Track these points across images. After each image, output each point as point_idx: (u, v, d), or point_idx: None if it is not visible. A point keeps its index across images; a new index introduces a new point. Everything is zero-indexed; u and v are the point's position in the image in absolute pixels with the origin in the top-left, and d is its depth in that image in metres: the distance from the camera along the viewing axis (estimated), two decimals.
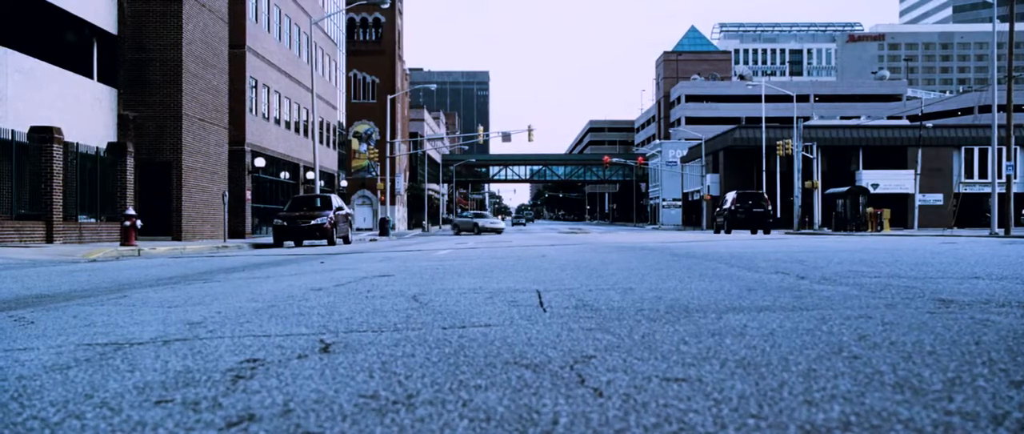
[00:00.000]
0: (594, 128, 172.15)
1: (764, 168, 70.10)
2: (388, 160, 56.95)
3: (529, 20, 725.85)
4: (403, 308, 4.84)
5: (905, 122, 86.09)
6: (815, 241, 22.65)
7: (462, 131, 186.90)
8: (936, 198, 72.87)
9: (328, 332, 3.80)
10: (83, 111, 27.11)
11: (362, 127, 78.74)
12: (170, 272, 10.08)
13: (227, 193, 29.10)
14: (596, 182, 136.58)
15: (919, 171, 64.64)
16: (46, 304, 5.67)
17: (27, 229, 20.99)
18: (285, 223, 26.94)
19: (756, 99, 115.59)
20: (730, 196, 44.38)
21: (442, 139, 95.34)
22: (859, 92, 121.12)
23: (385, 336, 3.65)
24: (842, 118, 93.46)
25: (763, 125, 71.25)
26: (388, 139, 58.22)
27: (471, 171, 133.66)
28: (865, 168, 73.94)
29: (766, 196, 43.39)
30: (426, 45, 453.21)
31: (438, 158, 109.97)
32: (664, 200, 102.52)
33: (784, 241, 22.76)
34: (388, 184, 58.16)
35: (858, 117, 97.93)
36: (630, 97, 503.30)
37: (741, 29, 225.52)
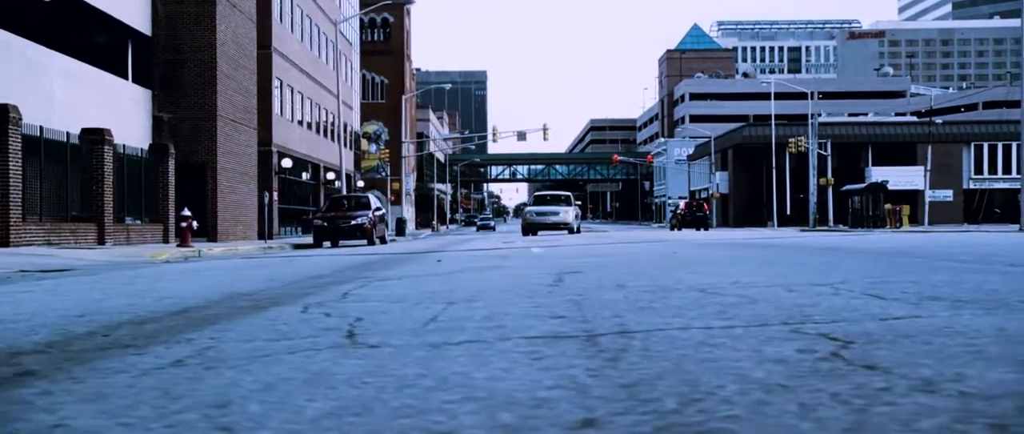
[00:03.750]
0: (595, 127, 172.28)
1: (774, 165, 70.27)
2: (411, 160, 56.89)
3: (525, 20, 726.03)
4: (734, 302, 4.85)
5: (913, 119, 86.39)
6: (883, 238, 22.74)
7: (461, 131, 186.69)
8: (945, 194, 73.08)
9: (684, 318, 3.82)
10: (122, 112, 27.07)
11: (371, 127, 78.66)
12: (308, 271, 10.09)
13: (268, 193, 29.08)
14: (599, 181, 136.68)
15: (929, 167, 64.83)
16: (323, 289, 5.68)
17: (81, 231, 20.99)
18: (325, 223, 26.90)
19: (760, 96, 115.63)
20: (681, 203, 63.02)
21: (456, 139, 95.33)
22: (862, 89, 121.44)
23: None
24: (849, 115, 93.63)
25: (772, 122, 71.39)
26: (404, 140, 58.16)
27: (474, 171, 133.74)
28: (874, 165, 74.13)
29: (705, 203, 61.17)
30: (423, 45, 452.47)
31: (442, 158, 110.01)
32: (670, 198, 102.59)
33: (884, 238, 22.85)
34: (402, 184, 58.19)
35: (865, 114, 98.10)
36: (630, 96, 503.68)
37: (739, 27, 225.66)
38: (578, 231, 36.28)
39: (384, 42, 78.21)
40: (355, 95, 57.69)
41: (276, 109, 38.21)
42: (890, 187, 70.18)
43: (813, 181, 57.99)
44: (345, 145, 52.16)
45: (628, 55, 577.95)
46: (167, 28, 30.04)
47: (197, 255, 18.40)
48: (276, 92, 38.21)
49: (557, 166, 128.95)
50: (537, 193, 41.50)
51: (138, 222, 24.49)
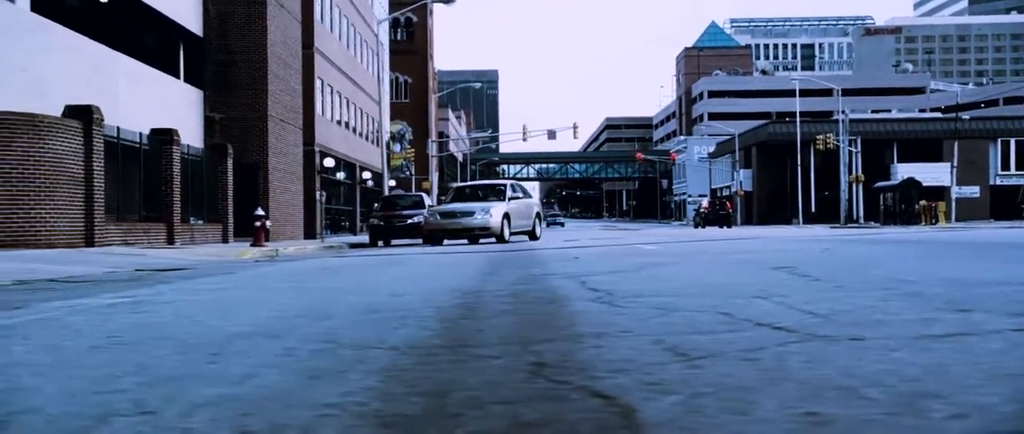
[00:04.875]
0: (611, 125, 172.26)
1: (799, 162, 70.18)
2: (434, 159, 57.03)
3: (534, 20, 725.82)
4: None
5: (938, 115, 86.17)
6: (957, 233, 22.72)
7: (472, 130, 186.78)
8: (972, 191, 72.80)
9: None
10: (178, 113, 27.21)
11: (395, 127, 78.76)
12: (469, 267, 10.16)
13: (322, 192, 29.22)
14: (616, 179, 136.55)
15: (955, 163, 64.66)
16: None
17: (152, 230, 21.14)
18: (381, 222, 27.08)
19: (779, 94, 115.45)
20: (704, 201, 64.47)
21: (482, 138, 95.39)
22: (882, 85, 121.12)
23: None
24: (872, 112, 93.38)
25: (797, 119, 71.31)
26: (433, 139, 58.30)
27: (490, 170, 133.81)
28: (900, 161, 73.96)
29: (728, 201, 62.12)
30: (435, 44, 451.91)
31: (461, 157, 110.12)
32: (690, 196, 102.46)
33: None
34: (432, 183, 58.32)
35: (888, 111, 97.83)
36: (643, 94, 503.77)
37: (752, 24, 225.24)
38: (538, 237, 25.07)
39: (408, 42, 78.31)
40: (386, 94, 57.82)
41: (318, 109, 38.35)
42: None
43: (844, 178, 57.88)
44: (375, 144, 52.33)
45: (639, 53, 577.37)
46: (218, 29, 30.18)
47: (275, 254, 18.51)
48: (318, 92, 38.36)
49: (574, 164, 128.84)
50: (457, 185, 28.54)
51: (200, 222, 24.64)
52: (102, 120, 18.30)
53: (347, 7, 44.64)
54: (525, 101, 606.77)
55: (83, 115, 17.77)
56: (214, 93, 30.13)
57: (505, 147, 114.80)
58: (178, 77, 28.62)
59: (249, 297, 6.32)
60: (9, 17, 19.01)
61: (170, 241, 21.85)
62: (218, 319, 4.68)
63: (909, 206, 50.24)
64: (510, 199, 24.01)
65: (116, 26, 25.46)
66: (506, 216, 22.86)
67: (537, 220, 25.34)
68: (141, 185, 21.01)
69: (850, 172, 58.57)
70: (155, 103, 25.39)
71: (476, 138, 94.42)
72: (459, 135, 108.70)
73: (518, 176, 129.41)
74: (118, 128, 19.63)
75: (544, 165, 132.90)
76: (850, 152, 59.56)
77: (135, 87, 24.26)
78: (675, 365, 2.74)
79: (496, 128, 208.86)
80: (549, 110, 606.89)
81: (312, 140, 37.46)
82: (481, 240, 22.93)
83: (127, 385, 2.69)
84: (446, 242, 23.35)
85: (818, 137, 63.95)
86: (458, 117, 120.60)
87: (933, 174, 70.99)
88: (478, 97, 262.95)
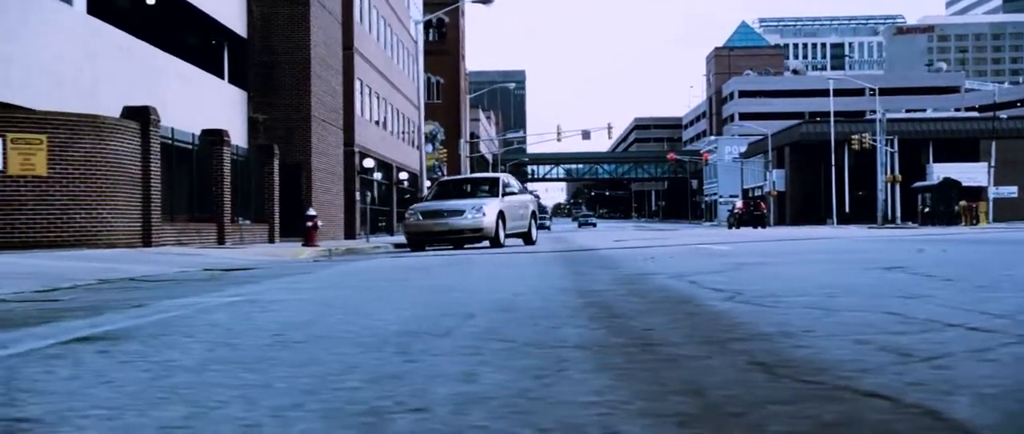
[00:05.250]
0: (640, 125, 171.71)
1: (833, 163, 69.61)
2: (466, 160, 57.09)
3: (559, 20, 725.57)
4: None
5: (974, 114, 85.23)
6: (1010, 234, 22.45)
7: (501, 131, 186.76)
8: (1010, 191, 71.84)
9: None
10: (224, 114, 27.36)
11: (428, 127, 78.85)
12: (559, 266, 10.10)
13: (368, 193, 29.27)
14: (645, 179, 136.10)
15: (993, 163, 63.91)
16: None
17: (204, 230, 21.24)
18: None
19: (811, 93, 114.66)
20: (738, 202, 65.81)
21: (516, 138, 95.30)
22: (915, 85, 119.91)
23: None
24: (906, 111, 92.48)
25: (832, 119, 70.80)
26: (466, 139, 58.34)
27: (517, 170, 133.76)
28: (935, 161, 73.21)
29: (762, 202, 62.97)
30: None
31: (490, 157, 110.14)
32: (721, 197, 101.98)
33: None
34: None
35: (923, 110, 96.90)
36: (670, 94, 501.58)
37: (781, 24, 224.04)
38: (534, 241, 21.68)
39: (440, 42, 78.40)
40: (421, 95, 57.89)
41: (357, 110, 38.43)
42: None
43: (881, 178, 57.35)
44: (411, 145, 52.43)
45: (664, 53, 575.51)
46: (262, 30, 30.30)
47: (329, 255, 18.54)
48: (357, 93, 38.45)
49: (604, 165, 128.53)
50: (442, 180, 25.11)
51: (247, 222, 24.75)
52: (159, 121, 18.42)
53: (384, 8, 44.76)
54: (551, 101, 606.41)
55: (141, 116, 17.89)
56: (257, 94, 30.25)
57: (538, 147, 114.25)
58: (222, 78, 28.78)
59: (358, 296, 6.27)
60: (67, 19, 19.17)
61: (221, 241, 21.95)
62: (362, 317, 4.63)
63: (948, 206, 49.70)
64: (505, 195, 20.21)
65: (162, 27, 25.65)
66: (501, 215, 19.21)
67: (533, 220, 21.83)
68: (193, 185, 21.12)
69: (887, 172, 57.95)
70: (202, 104, 25.53)
71: (511, 138, 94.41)
72: (489, 135, 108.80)
73: (547, 177, 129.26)
74: (172, 129, 19.75)
75: (574, 165, 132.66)
76: (887, 152, 58.91)
77: (182, 88, 24.41)
78: (917, 365, 2.66)
79: (523, 128, 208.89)
80: (575, 110, 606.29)
81: (352, 141, 37.55)
82: (468, 245, 19.65)
83: (354, 383, 2.64)
84: (429, 248, 19.68)
85: (854, 137, 63.40)
86: (488, 117, 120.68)
87: (970, 174, 70.12)
88: (505, 97, 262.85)
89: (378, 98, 43.30)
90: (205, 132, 22.09)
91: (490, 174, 25.01)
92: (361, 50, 39.03)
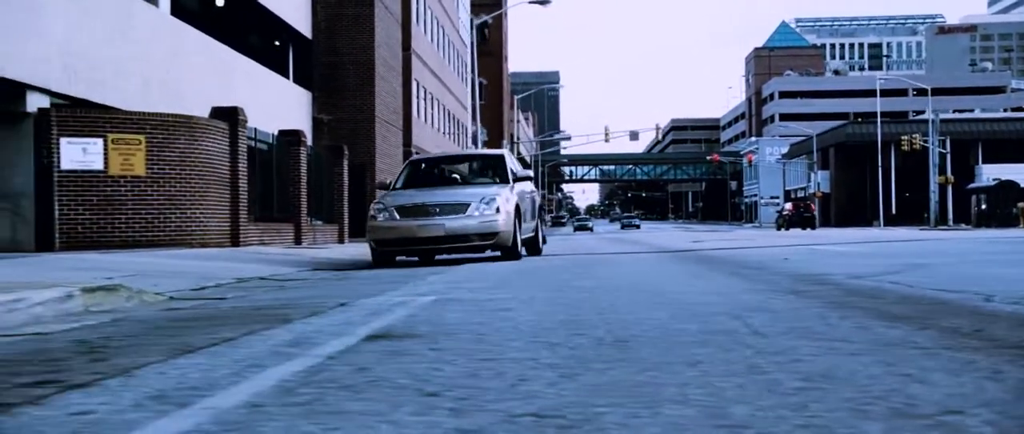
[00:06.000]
0: (676, 126, 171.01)
1: (879, 164, 68.88)
2: None
3: (592, 22, 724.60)
4: None
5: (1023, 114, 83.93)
6: None
7: (537, 132, 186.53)
8: None
9: None
10: (291, 115, 27.52)
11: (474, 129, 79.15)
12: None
13: None
14: (684, 181, 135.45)
15: None
16: None
17: (283, 230, 21.35)
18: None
19: (853, 94, 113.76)
20: (788, 204, 66.39)
21: (561, 139, 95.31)
22: (960, 85, 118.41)
23: None
24: (954, 111, 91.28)
25: (878, 120, 70.15)
26: (507, 141, 58.31)
27: (554, 171, 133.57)
28: (985, 162, 72.19)
29: (811, 203, 63.80)
30: None
31: (529, 159, 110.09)
32: (762, 198, 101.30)
33: None
34: None
35: (972, 110, 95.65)
36: (705, 95, 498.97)
37: (818, 24, 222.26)
38: (541, 249, 16.02)
39: (483, 44, 78.43)
40: (468, 96, 58.04)
41: (414, 111, 38.55)
42: None
43: (933, 179, 56.60)
44: (461, 146, 52.51)
45: (698, 54, 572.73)
46: (326, 31, 30.46)
47: None
48: (414, 94, 38.55)
49: (642, 166, 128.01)
50: (418, 159, 16.88)
51: (319, 222, 24.85)
52: (246, 121, 18.55)
53: (437, 8, 44.87)
54: (584, 102, 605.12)
55: (229, 116, 18.01)
56: (322, 95, 30.41)
57: (580, 149, 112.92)
58: (288, 78, 28.96)
59: (534, 297, 6.21)
60: (154, 20, 19.36)
61: (297, 241, 22.06)
62: (632, 315, 4.58)
63: (1005, 208, 49.00)
64: (516, 180, 14.32)
65: (230, 27, 25.83)
66: (517, 212, 13.42)
67: (541, 220, 16.95)
68: (271, 186, 21.23)
69: (940, 173, 57.21)
70: (271, 104, 25.67)
71: (557, 139, 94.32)
72: (528, 137, 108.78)
73: (585, 178, 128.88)
74: (255, 129, 19.86)
75: (609, 166, 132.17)
76: (940, 153, 58.15)
77: (254, 88, 24.58)
78: None
79: (557, 129, 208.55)
80: (609, 111, 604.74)
81: (410, 141, 37.67)
82: (459, 254, 13.89)
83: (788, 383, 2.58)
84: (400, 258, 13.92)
85: (903, 137, 62.65)
86: (526, 118, 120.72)
87: (1020, 175, 69.16)
88: (539, 98, 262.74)
89: (431, 99, 43.41)
90: (282, 132, 22.20)
91: (491, 150, 18.69)
92: (417, 51, 39.15)
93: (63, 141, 14.98)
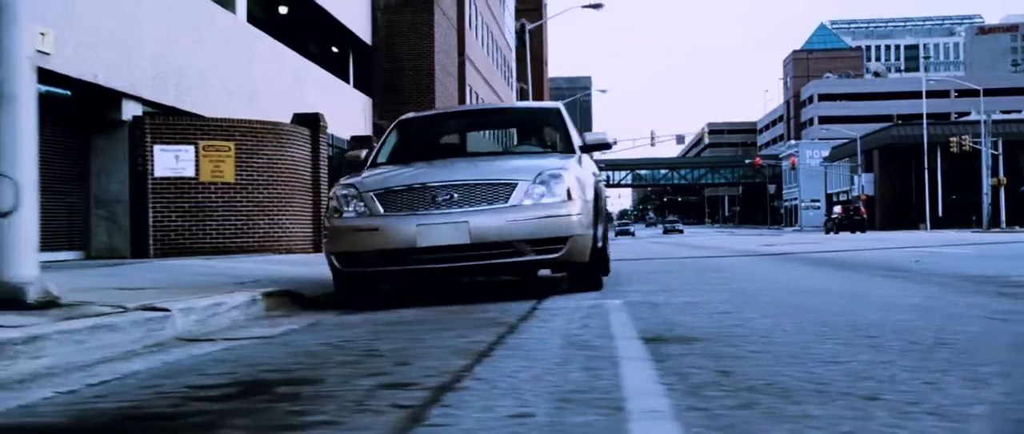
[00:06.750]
0: (713, 130, 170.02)
1: (926, 166, 68.03)
2: None
3: (625, 26, 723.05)
4: None
5: None
6: None
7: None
8: None
9: None
10: (353, 120, 27.64)
11: None
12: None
13: None
14: (721, 185, 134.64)
15: None
16: None
17: None
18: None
19: (893, 96, 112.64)
20: (838, 207, 67.86)
21: (608, 147, 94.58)
22: (1004, 86, 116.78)
23: None
24: (1001, 112, 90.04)
25: (924, 121, 69.31)
26: None
27: None
28: None
29: (861, 207, 64.86)
30: None
31: None
32: (803, 201, 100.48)
33: None
34: None
35: (1018, 111, 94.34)
36: (740, 98, 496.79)
37: (853, 26, 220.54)
38: (606, 268, 9.33)
39: (523, 48, 78.52)
40: (513, 100, 58.09)
41: None
42: None
43: (986, 181, 55.89)
44: None
45: (733, 57, 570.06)
46: (386, 37, 30.60)
47: None
48: (467, 99, 38.63)
49: (680, 170, 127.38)
50: (410, 118, 9.57)
51: None
52: (326, 128, 18.62)
53: (487, 14, 44.99)
54: (616, 107, 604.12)
55: (311, 122, 18.08)
56: (381, 100, 30.53)
57: (624, 154, 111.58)
58: (349, 84, 29.10)
59: (770, 300, 6.14)
60: (232, 28, 19.51)
61: None
62: (883, 317, 4.50)
63: None
64: (585, 150, 8.76)
65: (293, 33, 25.99)
66: (596, 205, 7.84)
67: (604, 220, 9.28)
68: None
69: (993, 175, 56.46)
70: (336, 110, 25.72)
71: (600, 145, 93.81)
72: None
73: (621, 183, 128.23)
74: (332, 135, 19.93)
75: (645, 170, 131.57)
76: (993, 155, 57.41)
77: (320, 94, 24.69)
78: None
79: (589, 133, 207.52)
80: (642, 115, 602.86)
81: None
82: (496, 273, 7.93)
83: None
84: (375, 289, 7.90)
85: (952, 139, 61.91)
86: None
87: None
88: (572, 103, 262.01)
89: (482, 103, 43.50)
90: (354, 138, 22.29)
91: (539, 103, 12.18)
92: (470, 57, 39.24)
93: (156, 148, 15.10)
